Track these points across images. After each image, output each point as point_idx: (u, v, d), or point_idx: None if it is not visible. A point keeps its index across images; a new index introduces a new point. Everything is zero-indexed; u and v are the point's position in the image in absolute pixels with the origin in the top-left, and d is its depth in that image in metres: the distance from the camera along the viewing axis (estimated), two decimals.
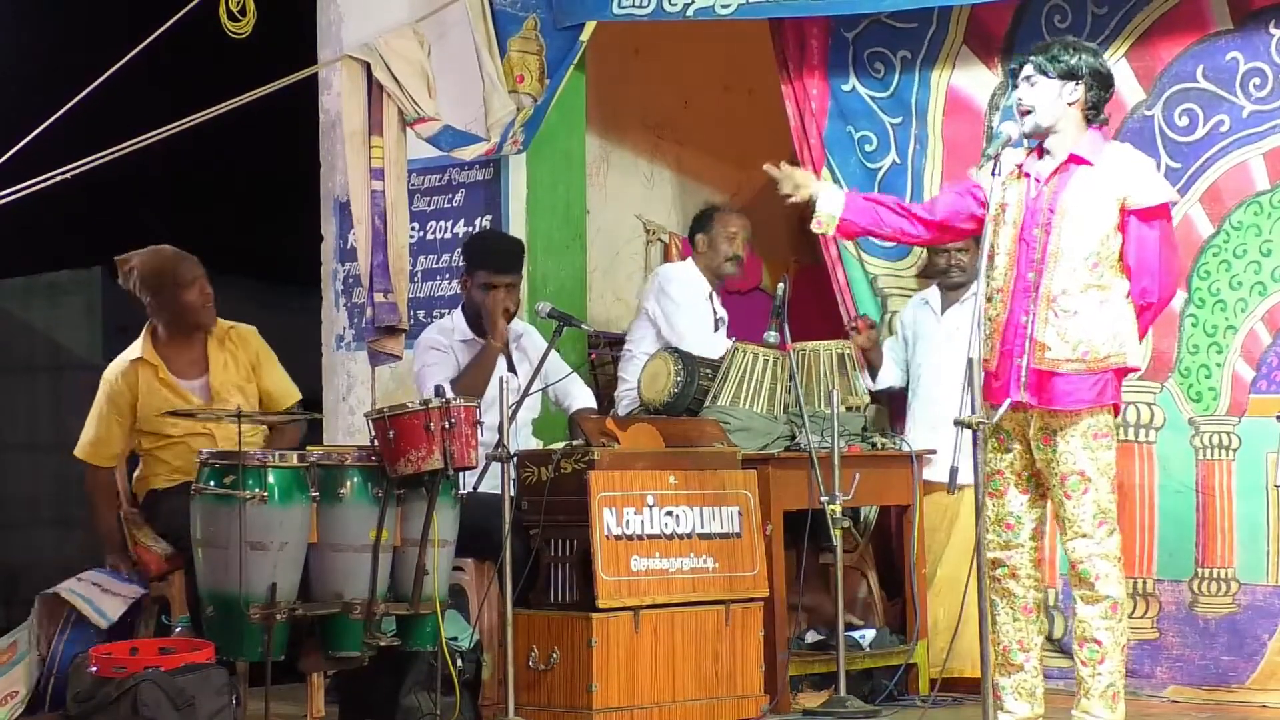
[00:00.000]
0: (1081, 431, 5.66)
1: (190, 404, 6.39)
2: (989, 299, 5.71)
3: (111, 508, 6.47)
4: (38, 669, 6.36)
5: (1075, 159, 5.69)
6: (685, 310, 7.37)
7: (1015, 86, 5.78)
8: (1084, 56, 5.69)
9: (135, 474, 6.51)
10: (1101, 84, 5.71)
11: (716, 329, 7.50)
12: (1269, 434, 6.74)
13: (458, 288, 7.37)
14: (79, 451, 6.49)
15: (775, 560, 6.50)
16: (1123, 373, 5.74)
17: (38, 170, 6.73)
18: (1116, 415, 5.82)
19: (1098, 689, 5.71)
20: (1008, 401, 5.63)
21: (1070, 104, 5.68)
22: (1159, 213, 5.69)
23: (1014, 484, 5.80)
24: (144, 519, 6.45)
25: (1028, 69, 5.72)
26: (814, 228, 6.04)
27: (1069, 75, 5.66)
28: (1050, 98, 5.66)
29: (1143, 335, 5.82)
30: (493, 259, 6.94)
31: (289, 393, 6.70)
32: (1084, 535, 5.68)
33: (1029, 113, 5.68)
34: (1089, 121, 5.72)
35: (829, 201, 5.99)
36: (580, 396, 7.11)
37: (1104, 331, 5.66)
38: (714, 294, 7.56)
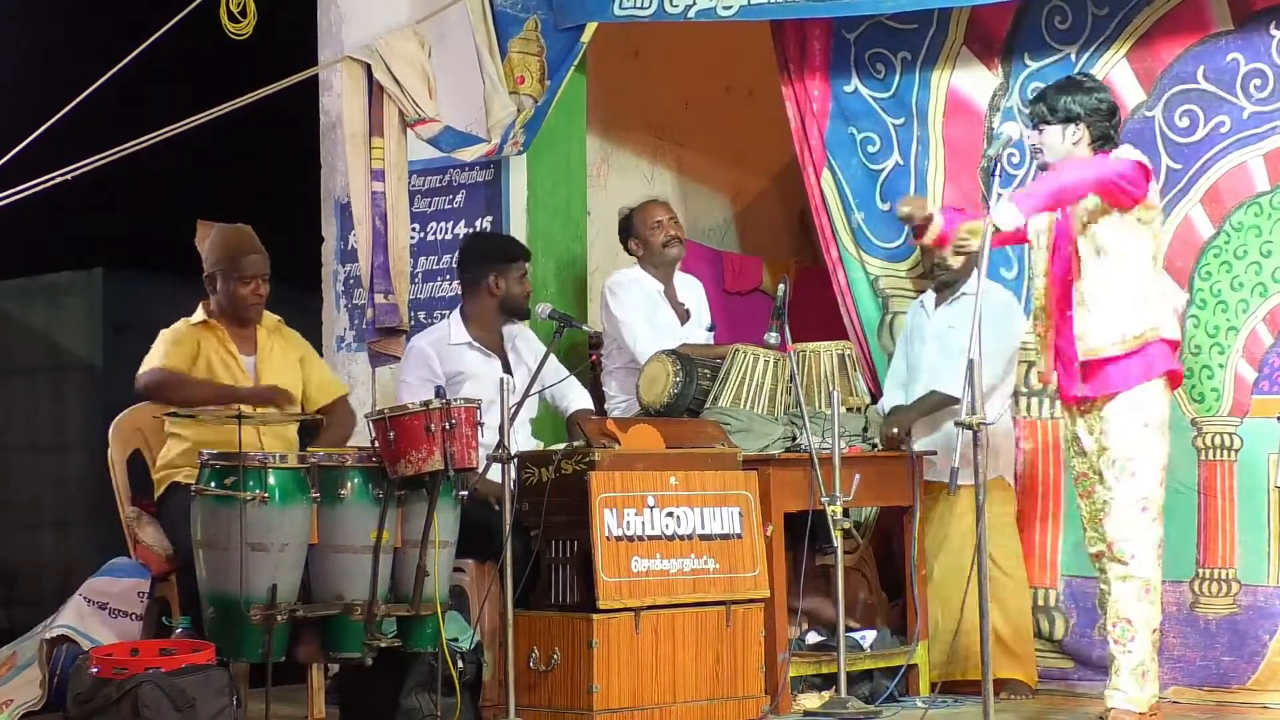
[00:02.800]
0: (1130, 417, 5.91)
1: (244, 377, 6.36)
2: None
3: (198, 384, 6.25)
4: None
5: None
6: (634, 315, 7.37)
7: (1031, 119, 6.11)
8: (1079, 98, 6.02)
9: (158, 463, 6.41)
10: (1104, 117, 6.03)
11: (685, 321, 7.49)
12: (1270, 435, 6.74)
13: (458, 289, 7.37)
14: (145, 366, 6.24)
15: (776, 561, 6.49)
16: (1167, 345, 5.97)
17: (38, 171, 6.73)
18: (1177, 385, 6.09)
19: (1128, 665, 5.91)
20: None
21: (1075, 144, 6.01)
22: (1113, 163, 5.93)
23: (1097, 483, 6.03)
24: (153, 515, 6.44)
25: (1035, 112, 6.06)
26: (925, 240, 6.14)
27: (1069, 119, 6.02)
28: (1055, 142, 6.03)
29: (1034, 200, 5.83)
30: (519, 249, 7.14)
31: (338, 384, 6.74)
32: (1124, 519, 5.89)
33: (1039, 151, 6.08)
34: (1097, 150, 6.02)
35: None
36: (578, 398, 7.12)
37: (1132, 312, 5.90)
38: (668, 288, 7.54)
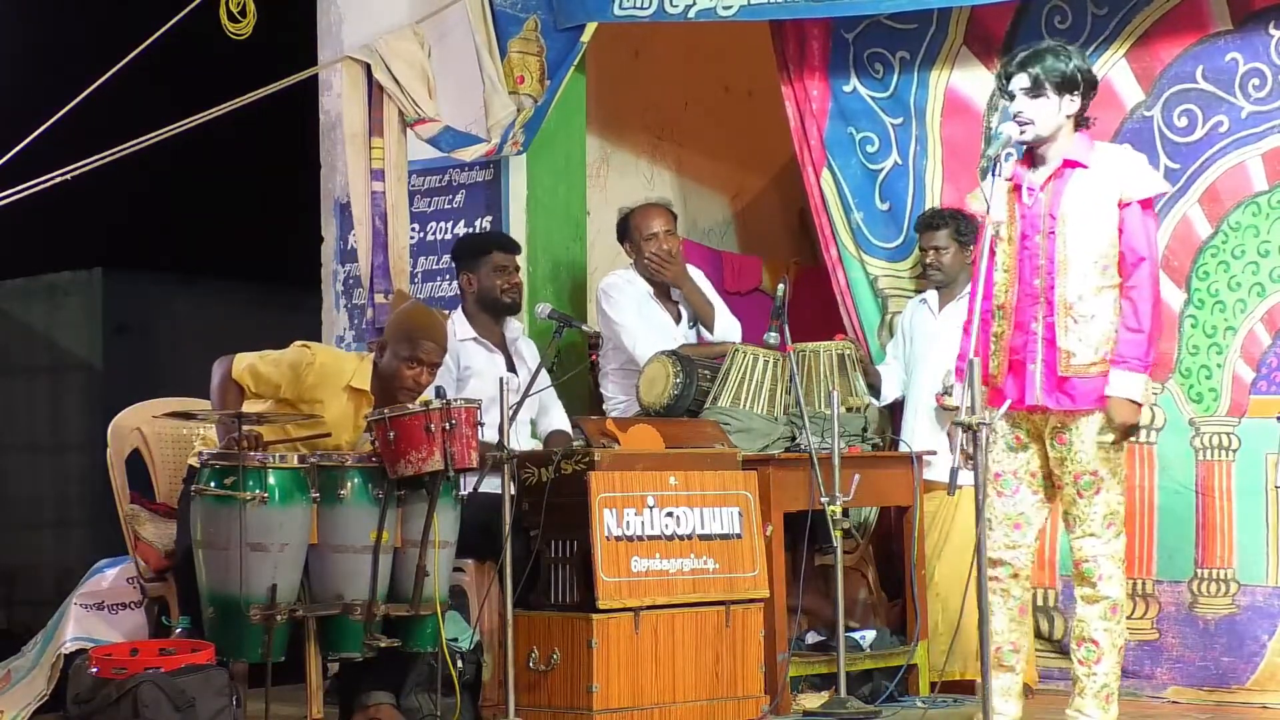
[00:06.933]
0: (1097, 431, 5.70)
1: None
2: (993, 315, 5.78)
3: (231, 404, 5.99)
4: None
5: (1070, 163, 5.75)
6: (630, 318, 7.34)
7: (1008, 92, 5.77)
8: (1076, 63, 5.73)
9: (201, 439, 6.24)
10: (1091, 88, 5.77)
11: (679, 322, 7.47)
12: (1269, 435, 6.74)
13: (458, 288, 7.37)
14: (239, 359, 6.00)
15: (775, 561, 6.50)
16: None
17: (38, 170, 6.73)
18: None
19: (1092, 689, 5.77)
20: (1006, 404, 5.67)
21: (1069, 116, 5.73)
22: (1149, 204, 5.77)
23: (1026, 484, 5.86)
24: (152, 511, 6.41)
25: (1024, 79, 5.71)
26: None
27: (1069, 87, 5.70)
28: (1051, 111, 5.70)
29: (1155, 328, 5.75)
30: (501, 241, 7.13)
31: None
32: (1092, 534, 5.75)
33: (1029, 124, 5.70)
34: (1078, 125, 5.78)
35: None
36: (558, 418, 7.12)
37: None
38: (657, 291, 7.50)
